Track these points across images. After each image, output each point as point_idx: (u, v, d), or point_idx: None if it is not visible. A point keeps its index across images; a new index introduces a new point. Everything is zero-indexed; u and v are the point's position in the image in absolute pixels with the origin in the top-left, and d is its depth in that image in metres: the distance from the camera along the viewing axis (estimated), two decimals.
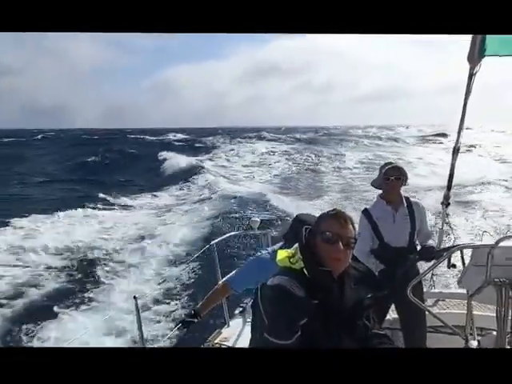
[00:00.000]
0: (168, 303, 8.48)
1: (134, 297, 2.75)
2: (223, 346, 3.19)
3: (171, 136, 50.94)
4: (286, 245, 2.36)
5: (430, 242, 2.96)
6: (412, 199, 3.04)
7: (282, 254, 1.50)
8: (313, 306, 1.36)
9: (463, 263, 2.05)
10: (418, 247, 2.97)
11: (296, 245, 1.52)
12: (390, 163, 2.97)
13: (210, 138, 45.88)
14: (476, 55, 2.78)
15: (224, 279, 2.87)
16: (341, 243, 1.42)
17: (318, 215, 1.62)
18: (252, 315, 1.56)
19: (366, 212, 2.97)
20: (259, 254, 2.68)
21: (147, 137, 49.86)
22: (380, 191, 3.03)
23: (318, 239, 1.46)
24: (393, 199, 2.94)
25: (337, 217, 1.48)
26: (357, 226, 1.75)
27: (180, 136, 51.29)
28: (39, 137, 58.46)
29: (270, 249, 2.71)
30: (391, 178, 2.87)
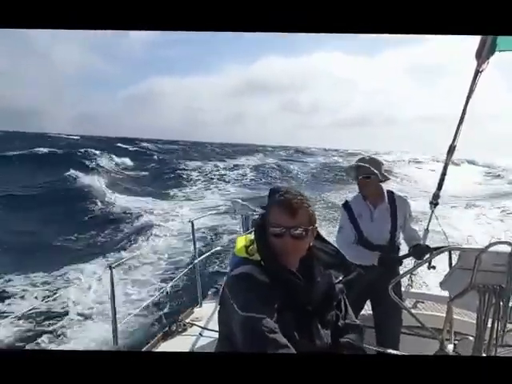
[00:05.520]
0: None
1: (110, 267, 2.62)
2: (194, 325, 3.14)
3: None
4: None
5: (417, 238, 2.87)
6: (396, 194, 2.91)
7: (240, 243, 1.40)
8: (280, 295, 1.27)
9: (450, 265, 1.97)
10: (403, 244, 2.89)
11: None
12: (362, 160, 2.84)
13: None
14: (485, 52, 2.67)
15: None
16: (289, 236, 1.29)
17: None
18: (220, 312, 1.39)
19: (346, 205, 2.90)
20: None
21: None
22: None
23: (267, 230, 1.33)
24: (369, 195, 2.84)
25: (284, 206, 1.30)
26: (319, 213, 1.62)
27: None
28: None
29: None
30: (359, 177, 2.82)
